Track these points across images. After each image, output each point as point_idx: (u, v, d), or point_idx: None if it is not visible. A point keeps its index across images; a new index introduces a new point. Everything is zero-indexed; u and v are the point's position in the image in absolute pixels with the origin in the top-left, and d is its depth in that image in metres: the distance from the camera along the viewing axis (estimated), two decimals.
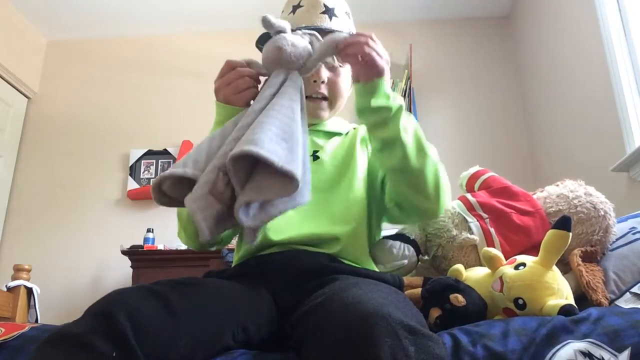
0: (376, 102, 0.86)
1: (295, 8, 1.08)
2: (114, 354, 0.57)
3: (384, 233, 1.16)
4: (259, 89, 0.89)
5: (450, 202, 1.14)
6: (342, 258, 0.98)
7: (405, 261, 1.10)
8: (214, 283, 0.81)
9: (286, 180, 0.68)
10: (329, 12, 1.06)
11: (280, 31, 0.86)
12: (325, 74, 1.05)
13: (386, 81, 0.87)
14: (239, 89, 0.89)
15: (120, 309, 0.61)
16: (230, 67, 0.90)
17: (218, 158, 0.74)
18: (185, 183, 0.73)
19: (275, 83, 0.82)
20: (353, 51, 0.83)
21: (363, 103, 0.87)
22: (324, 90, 1.05)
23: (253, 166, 0.71)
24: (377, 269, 1.05)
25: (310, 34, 0.88)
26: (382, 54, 0.85)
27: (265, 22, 0.86)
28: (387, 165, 0.96)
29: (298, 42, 0.85)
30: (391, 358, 0.55)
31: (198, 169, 0.74)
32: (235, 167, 0.69)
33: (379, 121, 0.89)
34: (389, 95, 0.88)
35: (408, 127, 0.91)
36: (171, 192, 0.75)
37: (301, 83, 0.84)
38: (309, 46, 0.86)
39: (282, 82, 0.83)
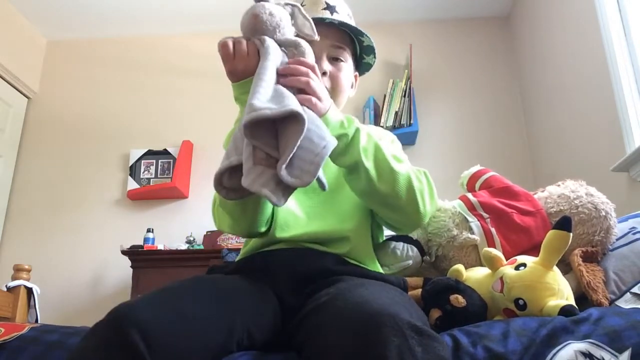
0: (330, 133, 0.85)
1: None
2: None
3: (386, 234, 1.17)
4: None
5: (437, 205, 1.13)
6: (350, 259, 0.97)
7: (410, 262, 1.10)
8: (222, 284, 0.81)
9: (297, 123, 0.71)
10: (330, 8, 1.06)
11: None
12: (327, 66, 1.04)
13: (332, 112, 0.85)
14: (242, 56, 0.84)
15: (133, 326, 0.60)
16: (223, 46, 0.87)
17: (241, 131, 0.76)
18: (240, 171, 0.75)
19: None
20: (291, 83, 0.80)
21: None
22: (325, 83, 1.03)
23: (271, 128, 0.75)
24: (382, 270, 1.05)
25: (292, 5, 0.87)
26: (319, 90, 0.83)
27: None
28: (357, 190, 0.95)
29: (277, 11, 0.84)
30: (398, 358, 0.55)
31: (240, 154, 0.76)
32: (259, 139, 0.73)
33: (339, 150, 0.87)
34: (341, 122, 0.87)
35: (369, 149, 0.88)
36: (233, 183, 0.78)
37: (275, 44, 0.83)
38: (289, 17, 0.85)
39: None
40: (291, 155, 0.71)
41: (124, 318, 0.61)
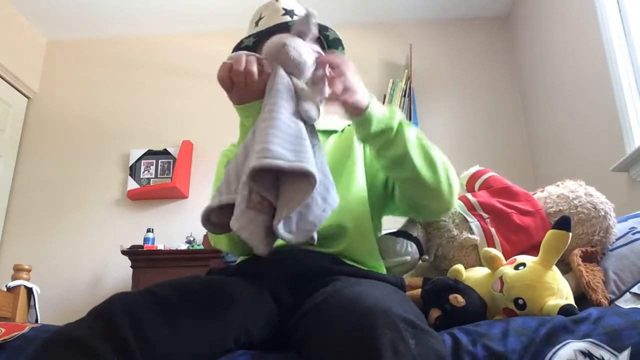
0: (375, 128, 0.87)
1: (257, 21, 1.09)
2: (115, 359, 0.57)
3: (385, 230, 1.17)
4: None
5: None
6: (347, 257, 0.98)
7: (408, 257, 1.10)
8: (217, 284, 0.81)
9: (307, 180, 0.68)
10: (289, 13, 1.07)
11: (301, 34, 0.82)
12: None
13: (375, 106, 0.86)
14: (240, 83, 0.84)
15: (123, 315, 0.61)
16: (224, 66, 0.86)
17: (245, 172, 0.73)
18: (230, 207, 0.73)
19: (270, 87, 0.80)
20: (330, 74, 0.80)
21: (363, 133, 0.88)
22: None
23: (277, 176, 0.72)
24: (383, 267, 1.04)
25: (319, 52, 0.85)
26: (358, 83, 0.83)
27: (308, 16, 0.82)
28: (399, 179, 0.98)
29: (305, 52, 0.81)
30: (391, 349, 0.55)
31: (231, 192, 0.74)
32: (258, 182, 0.70)
33: (384, 143, 0.89)
34: (386, 116, 0.87)
35: (412, 139, 0.90)
36: (221, 220, 0.76)
37: (288, 81, 0.81)
38: (311, 63, 0.82)
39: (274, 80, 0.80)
40: (286, 216, 0.69)
41: (116, 309, 0.61)
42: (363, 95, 0.84)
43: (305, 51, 0.82)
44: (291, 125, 0.74)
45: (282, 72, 0.80)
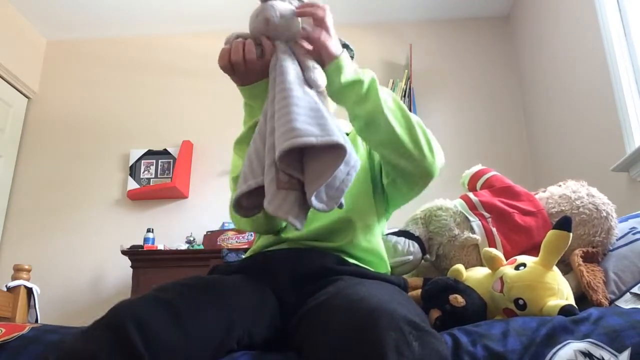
0: (347, 78, 0.86)
1: None
2: None
3: (388, 231, 1.17)
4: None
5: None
6: (352, 252, 0.97)
7: (411, 257, 1.10)
8: (221, 284, 0.81)
9: (334, 150, 0.70)
10: None
11: None
12: None
13: (346, 57, 0.87)
14: (240, 69, 0.86)
15: (131, 323, 0.60)
16: (223, 53, 0.87)
17: (268, 154, 0.75)
18: (258, 191, 0.75)
19: (274, 65, 0.82)
20: (306, 14, 0.82)
21: (336, 84, 0.86)
22: None
23: (301, 152, 0.73)
24: (388, 264, 1.04)
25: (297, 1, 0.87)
26: (332, 30, 0.85)
27: None
28: (375, 141, 0.95)
29: (285, 11, 0.83)
30: (395, 351, 0.55)
31: (257, 176, 0.76)
32: (285, 162, 0.72)
33: (356, 98, 0.88)
34: (357, 70, 0.88)
35: (386, 98, 0.90)
36: (250, 203, 0.78)
37: (290, 53, 0.83)
38: (294, 12, 0.84)
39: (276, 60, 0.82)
40: (320, 187, 0.71)
41: (123, 314, 0.61)
42: (337, 43, 0.86)
43: (284, 8, 0.83)
44: (306, 99, 0.75)
45: (282, 47, 0.82)
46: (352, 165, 0.73)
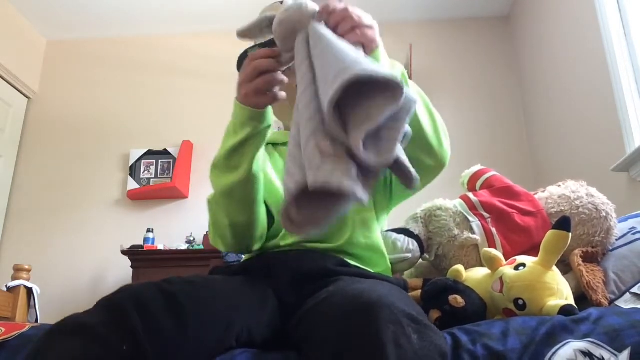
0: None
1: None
2: (124, 347, 0.58)
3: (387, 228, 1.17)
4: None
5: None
6: (351, 251, 0.97)
7: (409, 255, 1.10)
8: (222, 282, 0.81)
9: (386, 89, 0.59)
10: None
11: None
12: None
13: (382, 49, 0.80)
14: (259, 90, 0.81)
15: (133, 305, 0.61)
16: (251, 60, 0.81)
17: (304, 131, 0.64)
18: (307, 201, 0.63)
19: (303, 52, 0.71)
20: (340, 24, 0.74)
21: None
22: None
23: (341, 113, 0.62)
24: (388, 261, 1.04)
25: None
26: (370, 22, 0.77)
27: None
28: None
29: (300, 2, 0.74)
30: (394, 344, 0.55)
31: (304, 167, 0.63)
32: (333, 122, 0.60)
33: None
34: (389, 63, 0.83)
35: (415, 92, 0.87)
36: (300, 217, 0.65)
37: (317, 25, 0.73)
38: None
39: (307, 44, 0.72)
40: (369, 130, 0.59)
41: (126, 299, 0.62)
42: (376, 32, 0.78)
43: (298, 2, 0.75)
44: (349, 46, 0.67)
45: (316, 26, 0.72)
46: (410, 106, 0.62)
